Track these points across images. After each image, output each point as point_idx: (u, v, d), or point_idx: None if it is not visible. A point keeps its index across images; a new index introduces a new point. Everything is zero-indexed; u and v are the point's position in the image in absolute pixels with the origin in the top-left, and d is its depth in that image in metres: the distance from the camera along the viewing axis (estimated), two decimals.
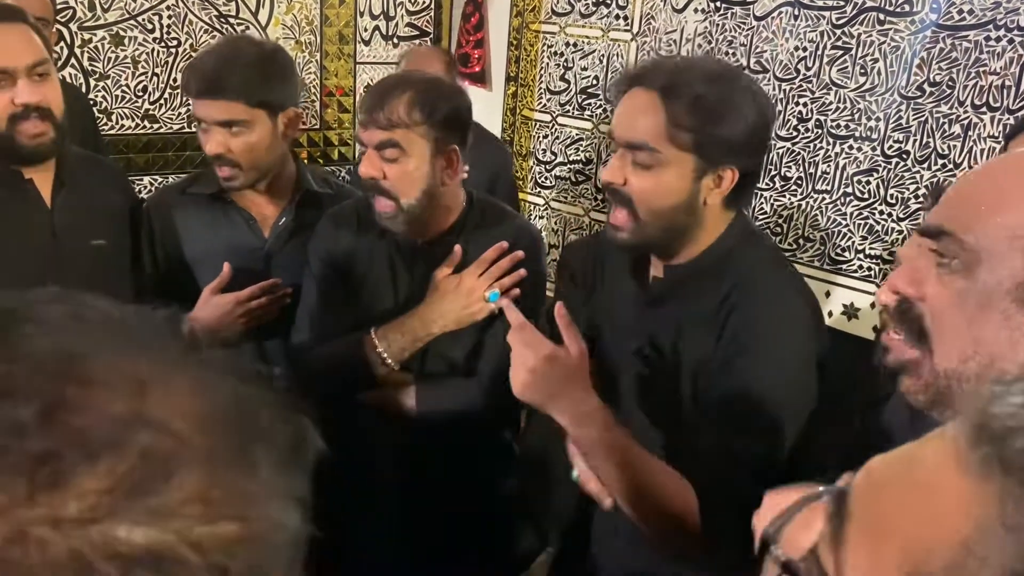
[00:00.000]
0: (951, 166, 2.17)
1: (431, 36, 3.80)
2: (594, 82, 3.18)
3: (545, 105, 3.40)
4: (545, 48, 3.36)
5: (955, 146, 2.15)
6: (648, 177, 1.25)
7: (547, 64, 3.36)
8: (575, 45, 3.23)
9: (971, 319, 0.75)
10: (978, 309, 0.75)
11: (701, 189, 1.26)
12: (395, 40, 3.72)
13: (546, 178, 3.44)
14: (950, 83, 2.14)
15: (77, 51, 3.04)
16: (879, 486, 0.48)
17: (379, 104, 1.50)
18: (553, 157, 3.40)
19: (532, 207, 3.50)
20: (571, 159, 3.32)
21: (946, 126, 2.16)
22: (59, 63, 3.00)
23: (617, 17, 3.05)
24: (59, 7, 2.95)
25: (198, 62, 1.68)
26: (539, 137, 3.44)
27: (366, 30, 3.63)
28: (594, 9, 3.14)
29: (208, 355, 0.44)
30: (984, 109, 2.09)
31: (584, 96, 3.23)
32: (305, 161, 3.45)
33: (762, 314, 1.25)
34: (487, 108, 3.52)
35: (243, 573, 0.38)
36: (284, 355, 1.76)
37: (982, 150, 2.11)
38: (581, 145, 3.26)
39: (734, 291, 1.26)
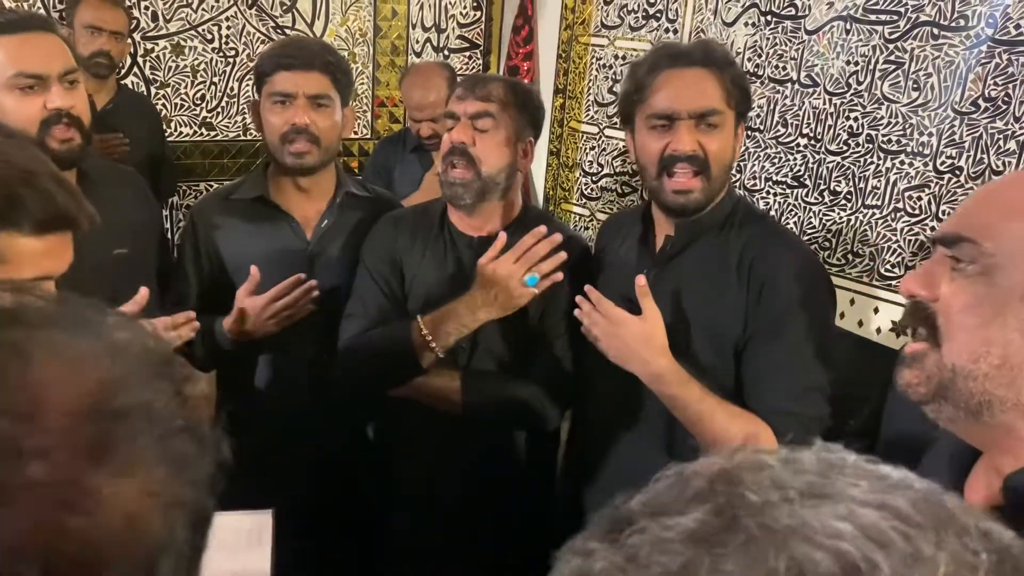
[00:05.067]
0: None
1: (481, 48, 3.85)
2: None
3: (593, 117, 3.41)
4: (594, 61, 3.38)
5: (1010, 163, 2.11)
6: (717, 137, 1.44)
7: (595, 76, 3.38)
8: (624, 58, 3.24)
9: (985, 321, 0.79)
10: (992, 312, 0.79)
11: (737, 143, 1.49)
12: (446, 52, 3.77)
13: (592, 189, 3.46)
14: (1006, 99, 2.11)
15: (140, 60, 3.15)
16: None
17: (480, 82, 1.63)
18: (600, 169, 3.42)
19: (577, 218, 3.52)
20: (617, 171, 3.33)
21: (1001, 142, 2.12)
22: (122, 71, 3.10)
23: (667, 31, 3.06)
24: None
25: (282, 44, 1.78)
26: (586, 149, 3.46)
27: (418, 42, 3.70)
28: (644, 22, 3.15)
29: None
30: None
31: None
32: (356, 170, 3.52)
33: (786, 277, 1.42)
34: None
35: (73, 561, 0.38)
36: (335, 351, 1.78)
37: None
38: (628, 157, 3.27)
39: (748, 248, 1.46)
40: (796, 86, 2.60)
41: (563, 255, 1.57)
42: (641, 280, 1.42)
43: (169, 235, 3.14)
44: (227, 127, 3.38)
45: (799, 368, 1.38)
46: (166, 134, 3.21)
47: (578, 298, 1.47)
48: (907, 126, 2.32)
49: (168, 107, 3.24)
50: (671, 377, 1.39)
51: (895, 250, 2.38)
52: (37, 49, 1.54)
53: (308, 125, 1.71)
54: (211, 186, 3.37)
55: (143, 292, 1.55)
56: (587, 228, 3.46)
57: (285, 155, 1.74)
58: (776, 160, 2.68)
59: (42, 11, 2.91)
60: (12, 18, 1.55)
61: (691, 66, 1.44)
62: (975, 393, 0.79)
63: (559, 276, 1.57)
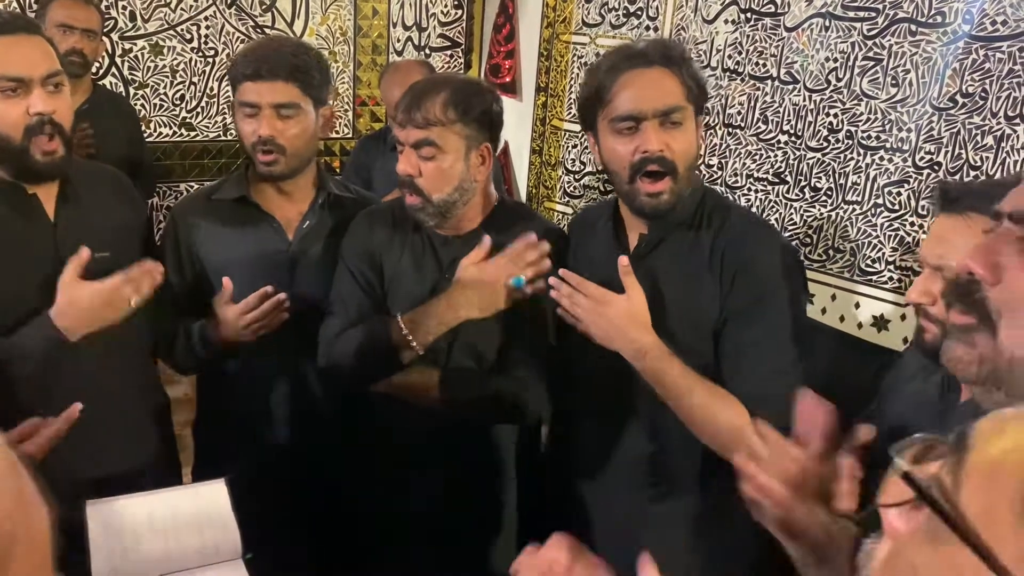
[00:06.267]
0: (983, 178, 2.15)
1: (462, 46, 3.84)
2: None
3: (575, 115, 3.41)
4: (575, 59, 3.38)
5: (988, 158, 2.13)
6: (681, 135, 1.45)
7: (577, 74, 3.38)
8: None
9: None
10: None
11: (699, 140, 1.50)
12: (427, 51, 3.76)
13: (575, 187, 3.46)
14: (983, 94, 2.12)
15: (118, 60, 3.12)
16: (1000, 429, 0.48)
17: (416, 104, 1.56)
18: (582, 167, 3.42)
19: (561, 216, 3.52)
20: (600, 169, 3.34)
21: (979, 137, 2.14)
22: (100, 72, 3.07)
23: (647, 28, 3.07)
24: None
25: (249, 51, 1.72)
26: (568, 147, 3.46)
27: (399, 41, 3.69)
28: (625, 20, 3.15)
29: None
30: (1017, 120, 2.07)
31: None
32: (337, 170, 3.51)
33: (757, 262, 1.45)
34: (517, 118, 3.55)
35: None
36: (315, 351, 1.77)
37: (1015, 162, 2.09)
38: None
39: (719, 239, 1.48)
40: (776, 83, 2.61)
41: (548, 264, 1.59)
42: (624, 260, 1.45)
43: None
44: (207, 127, 3.35)
45: (773, 350, 1.42)
46: (145, 134, 3.18)
47: (552, 280, 1.50)
48: (886, 122, 2.34)
49: (147, 107, 3.22)
50: (655, 352, 1.42)
51: (875, 245, 2.39)
52: (20, 52, 1.50)
53: (273, 136, 1.70)
54: (191, 187, 3.34)
55: (84, 253, 1.52)
56: None
57: (256, 163, 1.75)
58: (757, 157, 2.69)
59: (17, 10, 2.88)
60: None
61: (650, 66, 1.45)
62: None
63: (543, 285, 1.59)
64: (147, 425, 1.79)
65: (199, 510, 1.26)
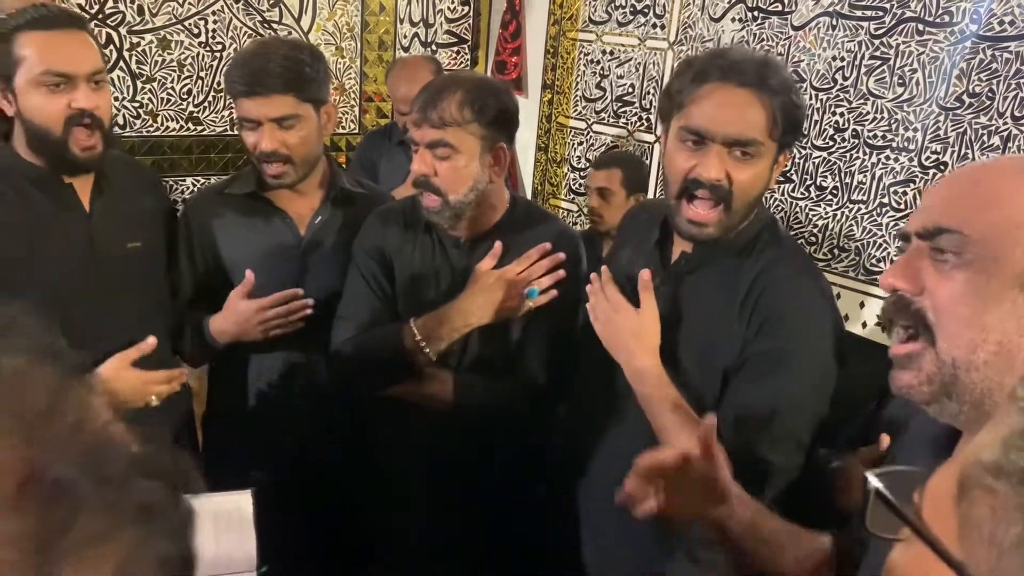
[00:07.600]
0: None
1: (469, 43, 3.84)
2: (630, 90, 3.20)
3: (580, 112, 3.42)
4: (581, 56, 3.38)
5: (994, 158, 2.13)
6: (749, 169, 1.32)
7: (583, 72, 3.38)
8: (611, 53, 3.25)
9: (979, 309, 0.79)
10: (986, 299, 0.79)
11: (774, 173, 1.37)
12: (434, 47, 3.76)
13: (580, 185, 3.46)
14: (990, 94, 2.12)
15: (125, 54, 3.13)
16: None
17: (432, 104, 1.54)
18: (587, 164, 3.42)
19: (566, 213, 3.53)
20: None
21: (985, 138, 2.14)
22: (109, 66, 3.08)
23: (654, 26, 3.07)
24: (109, 12, 3.04)
25: (242, 63, 1.70)
26: (574, 144, 3.46)
27: (406, 37, 3.69)
28: (631, 18, 3.16)
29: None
30: None
31: (620, 104, 3.24)
32: (343, 165, 3.51)
33: (791, 315, 1.33)
34: (523, 115, 3.53)
35: None
36: (324, 355, 1.77)
37: None
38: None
39: (759, 279, 1.36)
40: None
41: (562, 272, 1.57)
42: (646, 275, 1.38)
43: None
44: (214, 122, 3.36)
45: (779, 414, 1.30)
46: (152, 129, 3.19)
47: (593, 275, 1.46)
48: (892, 121, 2.34)
49: (155, 102, 3.22)
50: (652, 379, 1.34)
51: (881, 245, 2.40)
52: (67, 48, 1.54)
53: (276, 149, 1.69)
54: (198, 181, 3.35)
55: (150, 342, 1.56)
56: (575, 223, 3.47)
57: (264, 174, 1.75)
58: None
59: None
60: (44, 14, 1.54)
61: (742, 85, 1.30)
62: (977, 383, 0.79)
63: (555, 293, 1.57)
64: (172, 422, 1.81)
65: (219, 519, 1.25)
